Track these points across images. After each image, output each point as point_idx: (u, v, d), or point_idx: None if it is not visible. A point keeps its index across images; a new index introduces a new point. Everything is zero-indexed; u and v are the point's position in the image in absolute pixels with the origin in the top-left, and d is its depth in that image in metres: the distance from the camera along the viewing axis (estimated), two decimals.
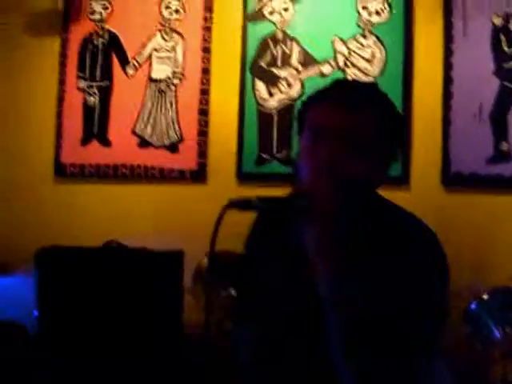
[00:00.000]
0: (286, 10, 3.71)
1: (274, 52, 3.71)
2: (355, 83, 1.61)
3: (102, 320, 2.88)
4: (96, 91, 3.98)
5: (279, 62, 3.71)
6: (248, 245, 1.63)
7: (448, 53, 3.52)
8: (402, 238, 1.39)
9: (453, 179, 3.51)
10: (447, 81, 3.52)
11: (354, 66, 3.62)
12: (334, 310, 1.29)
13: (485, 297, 2.99)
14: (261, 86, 3.72)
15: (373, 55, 3.59)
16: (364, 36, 3.61)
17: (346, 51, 3.63)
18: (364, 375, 1.28)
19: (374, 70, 3.60)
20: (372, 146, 1.36)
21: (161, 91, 3.87)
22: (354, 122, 1.35)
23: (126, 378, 2.76)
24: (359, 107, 1.37)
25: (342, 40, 3.64)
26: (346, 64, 3.63)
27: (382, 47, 3.59)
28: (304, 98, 1.53)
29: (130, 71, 3.93)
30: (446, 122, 3.52)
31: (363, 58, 3.61)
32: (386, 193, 3.54)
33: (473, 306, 3.00)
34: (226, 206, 1.31)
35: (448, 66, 3.52)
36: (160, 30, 3.89)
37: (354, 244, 1.34)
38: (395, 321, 1.27)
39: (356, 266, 1.30)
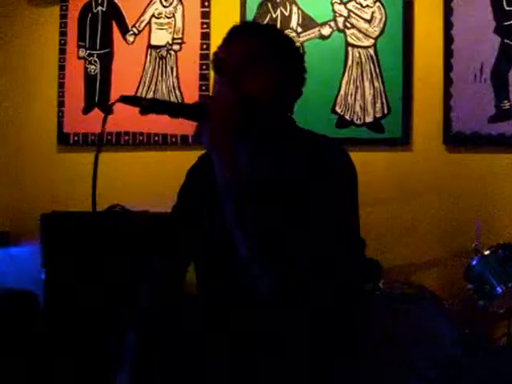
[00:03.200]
0: None
1: (274, 15, 3.70)
2: (237, 24, 1.79)
3: (107, 281, 2.92)
4: (96, 59, 3.98)
5: (279, 25, 3.68)
6: (187, 174, 1.87)
7: (448, 11, 3.49)
8: (306, 142, 1.64)
9: (454, 139, 3.50)
10: (448, 40, 3.50)
11: (353, 26, 3.60)
12: (228, 197, 1.46)
13: (486, 253, 3.00)
14: None
15: (372, 16, 3.57)
16: None
17: (345, 12, 3.61)
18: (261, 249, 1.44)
19: (373, 30, 3.58)
20: (252, 66, 1.59)
21: (161, 57, 3.87)
22: (231, 49, 1.63)
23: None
24: (236, 38, 1.66)
25: (341, 1, 3.62)
26: (345, 25, 3.61)
27: (381, 7, 3.56)
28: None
29: (130, 38, 3.93)
30: (447, 81, 3.51)
31: (363, 18, 3.59)
32: (388, 154, 3.58)
33: (474, 263, 3.01)
34: (117, 100, 1.49)
35: (448, 25, 3.50)
36: None
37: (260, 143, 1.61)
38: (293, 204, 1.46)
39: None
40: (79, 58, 4.01)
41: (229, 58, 1.62)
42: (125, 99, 1.50)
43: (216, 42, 3.96)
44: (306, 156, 1.57)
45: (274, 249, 1.43)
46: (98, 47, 3.98)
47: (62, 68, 4.03)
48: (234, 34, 1.67)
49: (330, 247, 1.49)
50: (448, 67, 3.51)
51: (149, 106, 1.51)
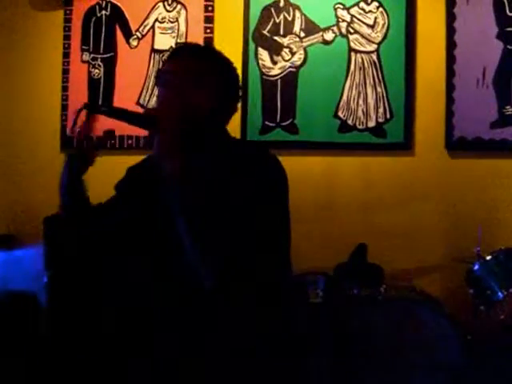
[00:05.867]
0: None
1: (277, 20, 3.71)
2: (184, 44, 2.11)
3: (109, 284, 2.93)
4: (100, 63, 4.00)
5: (282, 30, 3.71)
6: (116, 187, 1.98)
7: (451, 17, 3.51)
8: (241, 158, 1.75)
9: (456, 144, 3.52)
10: (450, 45, 3.52)
11: (356, 32, 3.61)
12: (180, 210, 1.59)
13: (488, 258, 3.00)
14: (264, 55, 3.72)
15: (375, 21, 3.59)
16: (366, 2, 3.60)
17: (348, 17, 3.62)
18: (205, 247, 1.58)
19: (376, 35, 3.59)
20: (197, 83, 1.74)
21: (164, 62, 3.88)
22: (179, 65, 1.77)
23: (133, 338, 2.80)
24: (182, 56, 1.81)
25: (344, 6, 3.63)
26: (348, 30, 3.63)
27: (384, 13, 3.58)
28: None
29: (134, 42, 3.94)
30: (450, 86, 3.52)
31: (366, 24, 3.60)
32: (390, 158, 3.58)
33: (476, 268, 3.02)
34: (80, 108, 1.72)
35: (451, 31, 3.51)
36: (162, 1, 3.90)
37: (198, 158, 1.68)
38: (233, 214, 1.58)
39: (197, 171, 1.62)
40: (83, 61, 4.02)
41: (175, 73, 1.75)
42: (87, 106, 1.73)
43: (219, 46, 3.98)
44: (241, 170, 1.69)
45: (209, 242, 1.58)
46: (101, 51, 4.00)
47: (65, 72, 4.03)
48: (182, 53, 1.84)
49: (252, 246, 1.62)
50: (450, 73, 3.52)
51: (107, 111, 1.72)
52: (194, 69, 1.75)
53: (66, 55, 4.04)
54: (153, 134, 1.63)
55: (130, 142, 3.91)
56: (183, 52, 1.84)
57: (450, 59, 3.52)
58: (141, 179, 1.87)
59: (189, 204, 1.58)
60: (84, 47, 4.02)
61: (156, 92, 3.81)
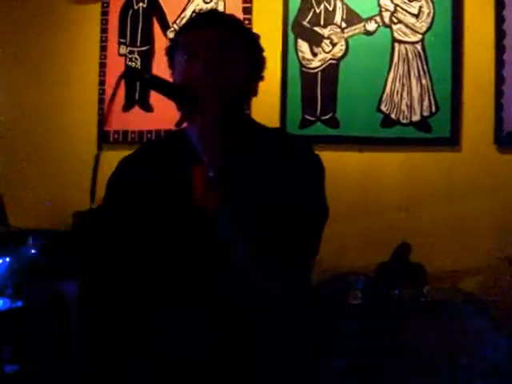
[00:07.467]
0: None
1: (317, 10, 3.60)
2: (213, 10, 1.90)
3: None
4: (137, 56, 3.96)
5: (322, 21, 3.59)
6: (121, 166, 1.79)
7: (500, 5, 3.34)
8: (279, 142, 1.64)
9: (506, 139, 3.35)
10: (499, 35, 3.35)
11: (400, 21, 3.48)
12: (223, 204, 1.43)
13: None
14: (304, 46, 3.61)
15: (420, 10, 3.45)
16: None
17: (391, 7, 3.49)
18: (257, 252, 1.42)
19: (421, 25, 3.45)
20: (232, 56, 1.55)
21: None
22: (209, 35, 1.56)
23: None
24: (210, 25, 1.59)
25: None
26: (391, 20, 3.49)
27: (429, 1, 3.43)
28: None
29: (171, 35, 3.88)
30: (499, 78, 3.36)
31: (410, 13, 3.46)
32: (435, 154, 3.45)
33: None
34: (120, 76, 1.56)
35: (500, 20, 3.34)
36: None
37: (237, 143, 1.53)
38: (277, 204, 1.43)
39: (240, 161, 1.47)
40: (120, 55, 3.99)
41: (206, 44, 1.56)
42: (126, 74, 1.65)
43: None
44: (279, 156, 1.56)
45: (273, 244, 1.42)
46: (138, 44, 3.96)
47: (102, 65, 4.01)
48: (208, 21, 1.61)
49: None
50: (499, 64, 3.36)
51: (148, 79, 1.58)
52: (226, 39, 1.57)
53: (103, 49, 4.02)
54: (190, 113, 1.49)
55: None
56: (210, 21, 1.62)
57: (499, 49, 3.35)
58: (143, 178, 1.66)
59: (233, 198, 1.42)
60: (121, 40, 3.99)
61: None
